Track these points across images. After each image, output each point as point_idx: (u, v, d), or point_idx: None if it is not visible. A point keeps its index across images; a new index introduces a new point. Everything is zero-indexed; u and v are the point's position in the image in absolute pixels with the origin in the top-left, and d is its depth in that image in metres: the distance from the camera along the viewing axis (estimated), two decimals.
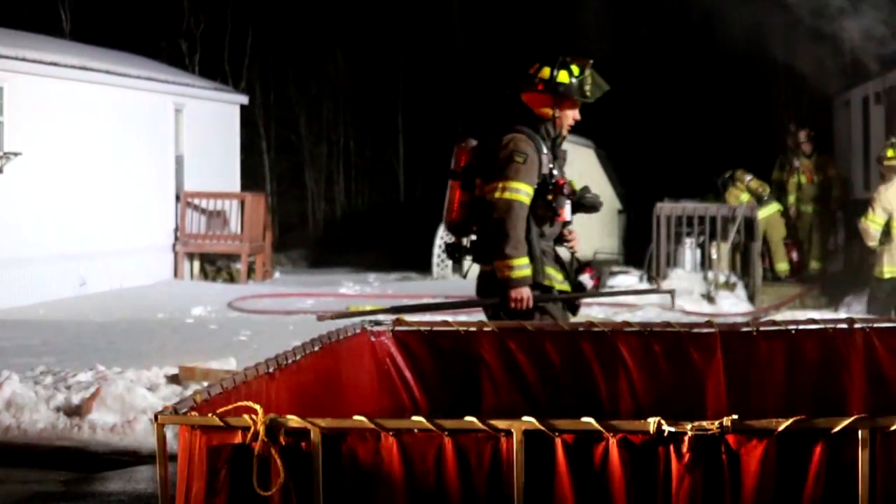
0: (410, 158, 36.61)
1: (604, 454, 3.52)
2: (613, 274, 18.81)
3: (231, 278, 22.48)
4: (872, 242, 13.39)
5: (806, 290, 18.13)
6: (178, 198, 22.48)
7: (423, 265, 24.46)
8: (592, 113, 7.63)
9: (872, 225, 13.22)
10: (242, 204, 22.84)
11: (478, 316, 14.08)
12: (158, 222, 21.93)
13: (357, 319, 5.86)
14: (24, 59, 18.23)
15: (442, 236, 23.50)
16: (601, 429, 3.51)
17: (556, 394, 5.61)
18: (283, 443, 3.63)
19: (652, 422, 3.48)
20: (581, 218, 7.00)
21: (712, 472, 3.49)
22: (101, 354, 12.21)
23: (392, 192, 36.93)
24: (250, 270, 22.67)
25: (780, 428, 3.45)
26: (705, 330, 5.61)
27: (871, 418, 3.49)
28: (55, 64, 18.97)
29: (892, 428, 3.45)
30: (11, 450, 8.58)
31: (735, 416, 3.49)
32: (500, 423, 3.56)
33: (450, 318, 7.11)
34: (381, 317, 5.90)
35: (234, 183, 24.99)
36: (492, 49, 34.74)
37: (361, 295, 19.74)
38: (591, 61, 6.61)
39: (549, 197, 6.52)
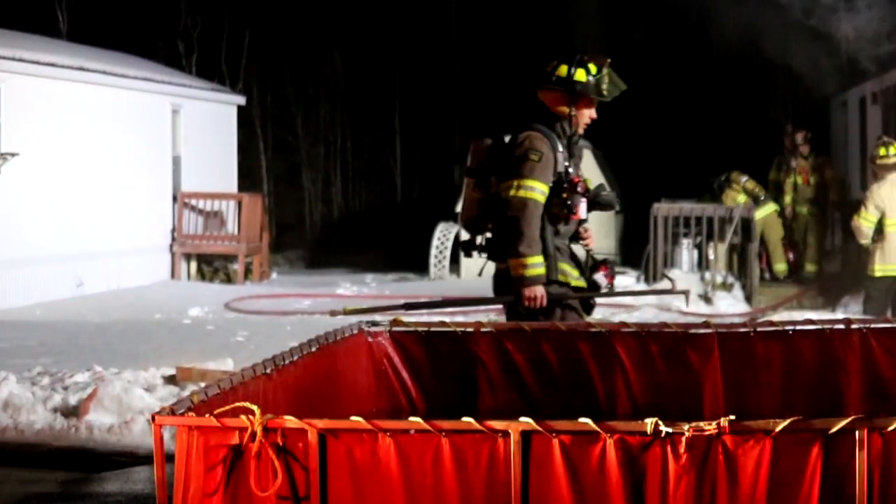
0: (407, 159, 36.59)
1: (601, 455, 3.52)
2: None
3: (228, 279, 22.48)
4: (865, 240, 13.42)
5: (803, 291, 18.14)
6: (175, 198, 22.48)
7: (420, 266, 24.47)
8: None
9: (864, 223, 13.25)
10: (239, 204, 22.84)
11: (476, 316, 14.10)
12: (155, 223, 21.93)
13: (354, 319, 5.85)
14: (20, 60, 18.22)
15: (439, 237, 23.51)
16: (598, 429, 3.51)
17: (553, 394, 5.61)
18: (281, 443, 3.63)
19: (649, 422, 3.48)
20: None
21: (709, 472, 3.49)
22: (99, 355, 12.20)
23: (389, 193, 36.92)
24: (247, 271, 22.67)
25: (778, 428, 3.45)
26: (702, 330, 5.61)
27: (868, 419, 3.49)
28: (52, 64, 18.97)
29: (890, 428, 3.45)
30: (9, 451, 8.58)
31: (732, 417, 3.49)
32: (498, 424, 3.56)
33: (447, 319, 7.12)
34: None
35: (231, 183, 24.99)
36: (489, 50, 34.74)
37: (359, 296, 19.73)
38: (609, 60, 6.59)
39: (565, 195, 6.50)
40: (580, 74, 6.53)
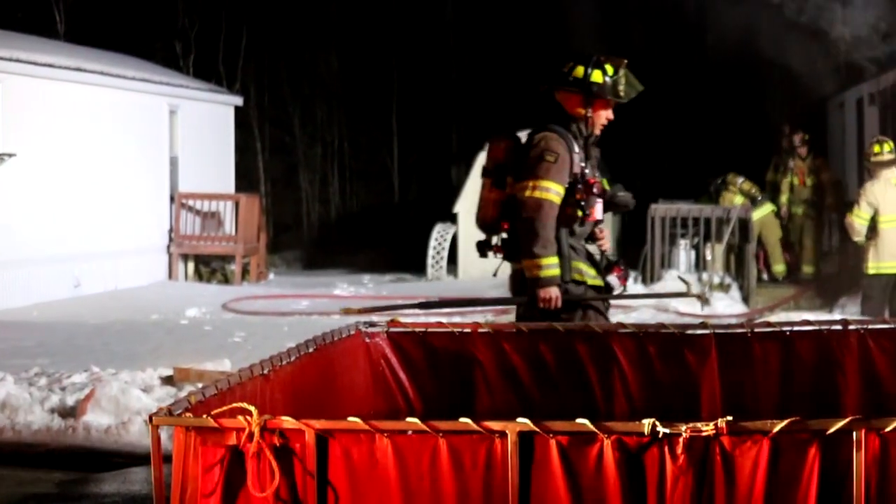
0: (405, 160, 36.60)
1: (598, 455, 3.52)
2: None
3: (225, 279, 22.47)
4: (858, 237, 13.45)
5: (800, 292, 18.13)
6: (172, 199, 22.47)
7: (417, 266, 24.47)
8: None
9: (857, 220, 13.28)
10: (237, 205, 22.83)
11: (473, 317, 14.09)
12: (153, 223, 21.91)
13: (352, 320, 5.85)
14: (18, 61, 18.20)
15: (436, 237, 23.51)
16: (596, 430, 3.51)
17: (550, 395, 5.61)
18: (278, 444, 3.63)
19: (646, 423, 3.48)
20: None
21: (707, 473, 3.49)
22: (96, 356, 12.20)
23: (386, 194, 36.91)
24: (245, 272, 22.66)
25: (775, 429, 3.45)
26: (700, 331, 5.61)
27: (865, 419, 3.49)
28: (50, 65, 18.95)
29: (887, 429, 3.45)
30: (6, 451, 8.58)
31: (730, 418, 3.49)
32: (495, 425, 3.56)
33: (444, 320, 7.11)
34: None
35: (228, 184, 24.98)
36: (486, 51, 34.74)
37: (356, 296, 19.72)
38: (626, 61, 6.59)
39: (580, 196, 6.50)
40: (597, 76, 6.52)
